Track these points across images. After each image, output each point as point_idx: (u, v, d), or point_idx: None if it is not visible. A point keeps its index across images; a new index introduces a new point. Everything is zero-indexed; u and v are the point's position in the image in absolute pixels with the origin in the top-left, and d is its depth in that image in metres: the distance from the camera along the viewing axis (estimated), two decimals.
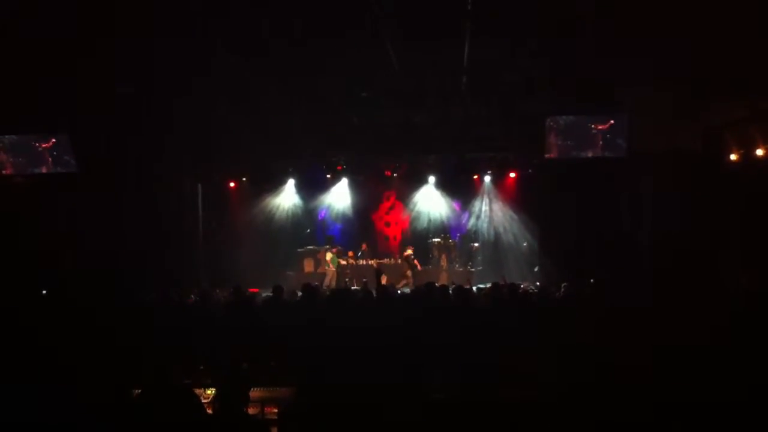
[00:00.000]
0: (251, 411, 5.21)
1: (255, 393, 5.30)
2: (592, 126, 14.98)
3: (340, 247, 19.21)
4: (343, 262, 18.65)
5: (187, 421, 4.73)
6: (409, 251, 18.70)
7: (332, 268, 18.23)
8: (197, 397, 5.03)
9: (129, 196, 15.67)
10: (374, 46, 11.05)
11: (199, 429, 4.77)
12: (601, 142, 15.00)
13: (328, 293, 11.47)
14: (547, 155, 15.22)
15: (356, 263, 18.92)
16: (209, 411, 5.03)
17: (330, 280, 17.92)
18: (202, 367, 6.21)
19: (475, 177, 19.69)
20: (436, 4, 9.86)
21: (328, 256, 18.48)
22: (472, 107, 15.10)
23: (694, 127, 14.04)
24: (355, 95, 14.05)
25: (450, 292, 9.62)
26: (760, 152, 13.55)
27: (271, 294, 9.79)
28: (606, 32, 10.55)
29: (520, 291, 10.73)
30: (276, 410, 5.47)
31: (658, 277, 12.78)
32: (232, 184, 19.25)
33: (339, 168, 19.07)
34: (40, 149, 15.21)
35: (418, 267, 18.57)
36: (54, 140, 15.15)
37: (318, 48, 11.20)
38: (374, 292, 9.73)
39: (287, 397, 5.53)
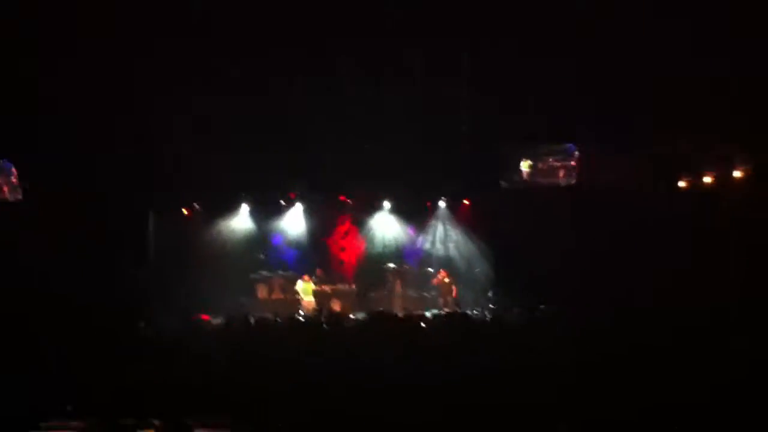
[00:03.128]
0: None
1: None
2: (552, 160, 15.32)
3: (294, 273, 19.07)
4: (317, 288, 18.46)
5: None
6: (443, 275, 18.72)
7: (306, 297, 18.08)
8: None
9: (78, 224, 15.28)
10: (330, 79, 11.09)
11: None
12: (560, 174, 15.38)
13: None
14: (503, 184, 15.42)
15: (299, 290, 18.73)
16: None
17: (309, 310, 17.66)
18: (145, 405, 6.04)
19: (429, 203, 19.81)
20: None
21: (300, 284, 18.30)
22: (427, 135, 15.21)
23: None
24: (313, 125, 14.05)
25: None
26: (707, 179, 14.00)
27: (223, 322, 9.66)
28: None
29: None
30: None
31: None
32: (185, 211, 19.00)
33: (292, 196, 18.97)
34: None
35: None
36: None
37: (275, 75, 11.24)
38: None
39: None
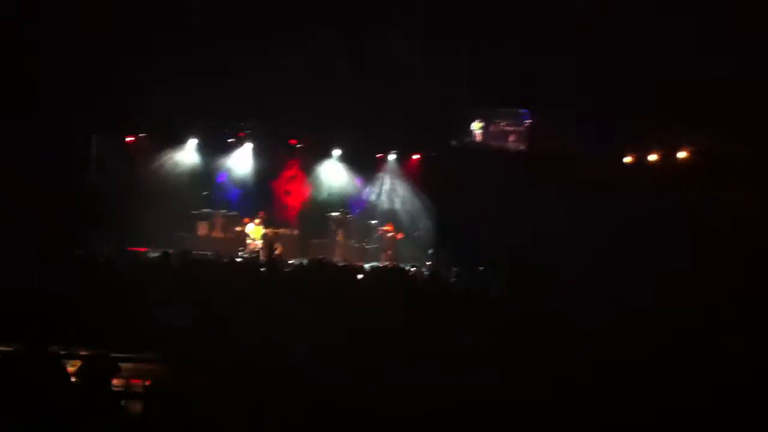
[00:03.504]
0: (117, 382, 5.03)
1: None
2: (504, 124, 15.42)
3: (236, 213, 18.93)
4: (267, 231, 18.23)
5: (50, 392, 4.52)
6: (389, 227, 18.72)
7: (256, 240, 17.91)
8: (63, 368, 4.82)
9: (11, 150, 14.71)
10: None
11: (62, 399, 4.57)
12: (511, 138, 15.51)
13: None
14: (452, 143, 15.46)
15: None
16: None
17: (259, 252, 17.55)
18: (72, 334, 5.97)
19: (380, 155, 19.80)
20: None
21: (250, 227, 18.09)
22: (381, 87, 15.13)
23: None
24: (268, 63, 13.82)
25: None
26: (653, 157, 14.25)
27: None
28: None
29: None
30: (141, 383, 5.29)
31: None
32: (129, 139, 18.54)
33: (242, 134, 18.73)
34: None
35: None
36: None
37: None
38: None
39: (156, 371, 5.38)
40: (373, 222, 19.69)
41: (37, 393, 4.54)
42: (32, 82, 13.88)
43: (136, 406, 4.92)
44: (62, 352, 5.18)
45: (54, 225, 13.62)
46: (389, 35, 12.16)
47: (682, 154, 14.35)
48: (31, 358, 4.83)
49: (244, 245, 17.97)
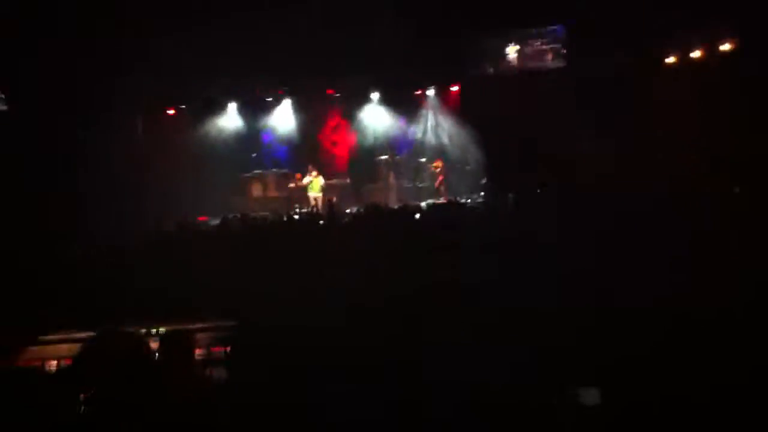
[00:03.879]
0: (198, 352, 5.21)
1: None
2: (540, 42, 15.09)
3: (287, 170, 19.13)
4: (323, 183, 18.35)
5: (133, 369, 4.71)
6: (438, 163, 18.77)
7: (315, 192, 18.05)
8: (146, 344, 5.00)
9: (63, 132, 15.05)
10: None
11: (146, 375, 4.76)
12: (548, 57, 15.17)
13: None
14: (489, 69, 15.23)
15: (303, 185, 18.74)
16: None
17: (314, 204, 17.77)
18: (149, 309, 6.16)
19: (419, 92, 19.65)
20: None
21: (308, 179, 18.20)
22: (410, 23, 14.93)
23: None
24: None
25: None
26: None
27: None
28: None
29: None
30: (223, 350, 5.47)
31: None
32: (171, 112, 18.79)
33: (280, 92, 18.79)
34: None
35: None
36: None
37: None
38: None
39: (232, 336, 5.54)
40: (421, 160, 19.63)
41: (126, 372, 4.75)
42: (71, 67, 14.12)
43: (220, 372, 5.11)
44: (143, 331, 5.38)
45: (114, 205, 14.05)
46: None
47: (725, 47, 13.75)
48: (115, 338, 5.02)
49: (300, 201, 18.15)
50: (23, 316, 5.55)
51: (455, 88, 19.05)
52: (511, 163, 15.47)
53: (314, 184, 18.06)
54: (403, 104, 19.83)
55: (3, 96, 14.64)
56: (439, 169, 18.58)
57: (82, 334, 4.94)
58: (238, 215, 11.11)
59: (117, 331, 5.07)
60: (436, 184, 18.54)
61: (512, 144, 15.66)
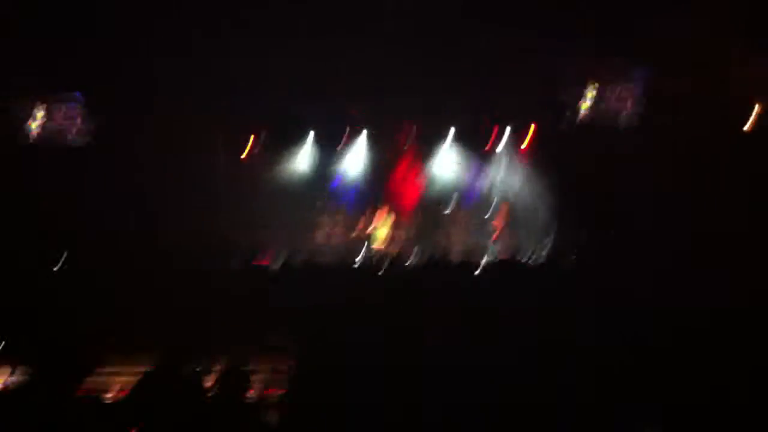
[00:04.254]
0: (251, 393, 5.32)
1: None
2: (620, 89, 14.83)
3: (353, 213, 19.23)
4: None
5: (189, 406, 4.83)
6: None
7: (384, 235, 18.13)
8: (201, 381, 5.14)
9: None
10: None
11: (199, 413, 4.88)
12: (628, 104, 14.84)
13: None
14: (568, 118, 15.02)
15: (371, 228, 18.75)
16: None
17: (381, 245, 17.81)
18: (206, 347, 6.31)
19: (494, 134, 19.49)
20: None
21: (377, 221, 18.37)
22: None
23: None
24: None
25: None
26: None
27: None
28: None
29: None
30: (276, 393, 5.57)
31: None
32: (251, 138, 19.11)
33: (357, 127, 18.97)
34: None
35: None
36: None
37: None
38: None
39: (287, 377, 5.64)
40: (489, 210, 19.48)
41: (179, 408, 4.88)
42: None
43: (273, 416, 5.19)
44: (198, 369, 5.51)
45: (185, 238, 14.35)
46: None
47: None
48: (171, 373, 5.16)
49: (367, 243, 18.20)
50: (87, 344, 5.73)
51: (531, 132, 18.79)
52: (583, 220, 15.14)
53: (383, 227, 18.04)
54: (476, 153, 19.75)
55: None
56: (501, 223, 18.43)
57: (141, 368, 5.10)
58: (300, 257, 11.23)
59: (174, 366, 5.23)
60: (494, 237, 18.35)
61: (586, 199, 15.27)
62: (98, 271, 9.18)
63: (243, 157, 18.77)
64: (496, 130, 19.32)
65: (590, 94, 15.76)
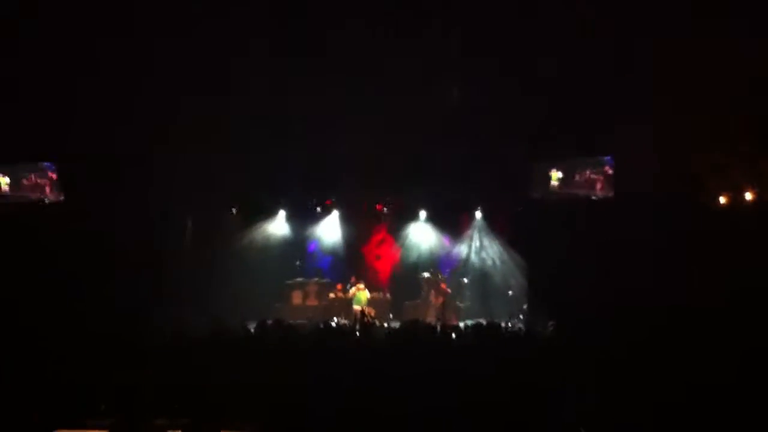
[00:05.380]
0: None
1: None
2: (588, 171, 15.24)
3: (329, 280, 19.24)
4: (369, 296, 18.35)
5: None
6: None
7: (362, 305, 17.90)
8: None
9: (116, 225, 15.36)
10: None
11: None
12: (598, 186, 15.26)
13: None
14: (535, 195, 15.37)
15: (345, 296, 18.74)
16: None
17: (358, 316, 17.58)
18: (176, 406, 6.12)
19: (466, 213, 19.78)
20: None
21: (353, 290, 18.26)
22: (463, 144, 15.27)
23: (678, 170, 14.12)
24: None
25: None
26: (749, 196, 13.62)
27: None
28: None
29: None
30: None
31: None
32: (223, 215, 19.13)
33: (328, 202, 19.14)
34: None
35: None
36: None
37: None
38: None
39: None
40: (464, 280, 19.57)
41: None
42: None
43: None
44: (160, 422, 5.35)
45: (151, 303, 14.16)
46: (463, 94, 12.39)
47: None
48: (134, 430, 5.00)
49: (341, 312, 18.12)
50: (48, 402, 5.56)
51: (501, 211, 19.13)
52: (556, 291, 15.23)
53: (360, 296, 18.00)
54: (450, 224, 19.98)
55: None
56: (439, 285, 18.52)
57: (105, 422, 4.95)
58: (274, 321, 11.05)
59: (135, 423, 5.07)
60: (436, 300, 18.41)
61: (559, 271, 15.44)
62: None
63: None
64: (467, 213, 19.82)
65: (555, 177, 16.16)
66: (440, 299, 18.34)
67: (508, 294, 18.78)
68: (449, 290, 18.69)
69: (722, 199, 14.28)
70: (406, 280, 19.41)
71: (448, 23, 10.34)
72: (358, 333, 9.76)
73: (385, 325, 15.67)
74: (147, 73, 11.10)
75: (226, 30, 10.36)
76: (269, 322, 10.60)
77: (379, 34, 10.64)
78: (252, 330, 10.25)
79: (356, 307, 17.79)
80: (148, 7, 10.30)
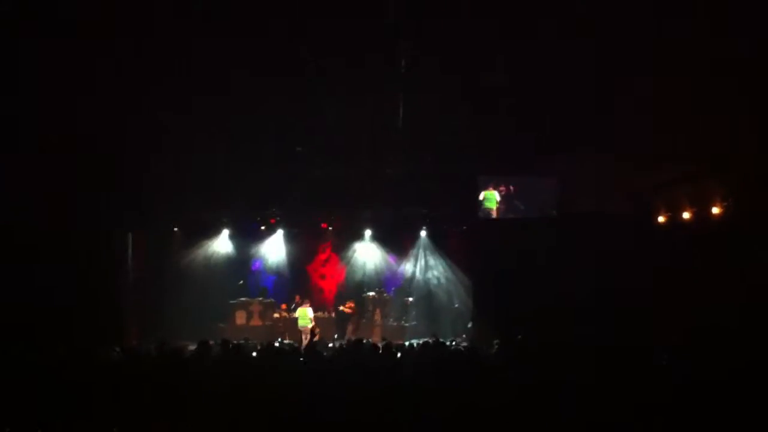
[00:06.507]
0: None
1: None
2: (532, 190, 15.52)
3: (272, 300, 19.06)
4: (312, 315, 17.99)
5: None
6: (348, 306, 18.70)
7: (308, 324, 17.64)
8: None
9: (51, 246, 14.83)
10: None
11: None
12: (542, 204, 15.50)
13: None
14: (480, 214, 15.54)
15: (289, 316, 18.55)
16: None
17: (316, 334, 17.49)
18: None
19: (411, 232, 19.86)
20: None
21: (299, 311, 17.92)
22: (407, 164, 15.37)
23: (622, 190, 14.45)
24: (289, 149, 14.20)
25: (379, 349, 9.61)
26: (686, 215, 13.93)
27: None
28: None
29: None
30: None
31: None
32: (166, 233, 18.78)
33: (272, 221, 19.01)
34: None
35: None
36: None
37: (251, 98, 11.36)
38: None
39: None
40: (409, 299, 19.61)
41: None
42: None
43: None
44: None
45: (94, 322, 13.77)
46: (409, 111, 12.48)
47: (715, 210, 13.90)
48: None
49: (285, 332, 17.95)
50: None
51: (446, 230, 19.29)
52: (499, 311, 15.34)
53: (303, 315, 17.81)
54: (395, 243, 20.04)
55: None
56: (351, 311, 18.65)
57: None
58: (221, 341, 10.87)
59: None
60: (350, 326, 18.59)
61: (503, 290, 15.55)
62: None
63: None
64: (411, 233, 19.89)
65: (500, 195, 16.31)
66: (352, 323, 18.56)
67: (453, 312, 18.88)
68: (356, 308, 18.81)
69: (661, 218, 14.59)
70: (351, 299, 19.28)
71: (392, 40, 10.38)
72: (303, 352, 9.65)
73: (329, 345, 15.59)
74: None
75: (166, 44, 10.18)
76: (211, 342, 10.46)
77: (323, 52, 10.64)
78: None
79: (300, 326, 17.64)
80: None
